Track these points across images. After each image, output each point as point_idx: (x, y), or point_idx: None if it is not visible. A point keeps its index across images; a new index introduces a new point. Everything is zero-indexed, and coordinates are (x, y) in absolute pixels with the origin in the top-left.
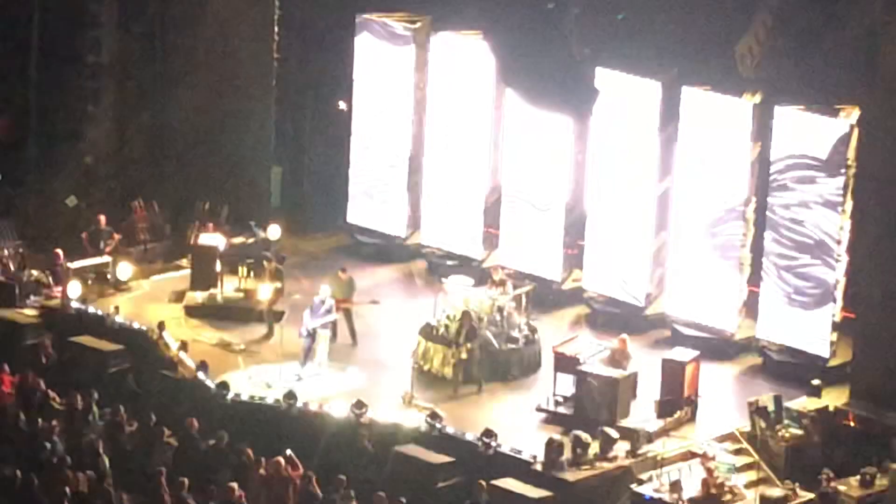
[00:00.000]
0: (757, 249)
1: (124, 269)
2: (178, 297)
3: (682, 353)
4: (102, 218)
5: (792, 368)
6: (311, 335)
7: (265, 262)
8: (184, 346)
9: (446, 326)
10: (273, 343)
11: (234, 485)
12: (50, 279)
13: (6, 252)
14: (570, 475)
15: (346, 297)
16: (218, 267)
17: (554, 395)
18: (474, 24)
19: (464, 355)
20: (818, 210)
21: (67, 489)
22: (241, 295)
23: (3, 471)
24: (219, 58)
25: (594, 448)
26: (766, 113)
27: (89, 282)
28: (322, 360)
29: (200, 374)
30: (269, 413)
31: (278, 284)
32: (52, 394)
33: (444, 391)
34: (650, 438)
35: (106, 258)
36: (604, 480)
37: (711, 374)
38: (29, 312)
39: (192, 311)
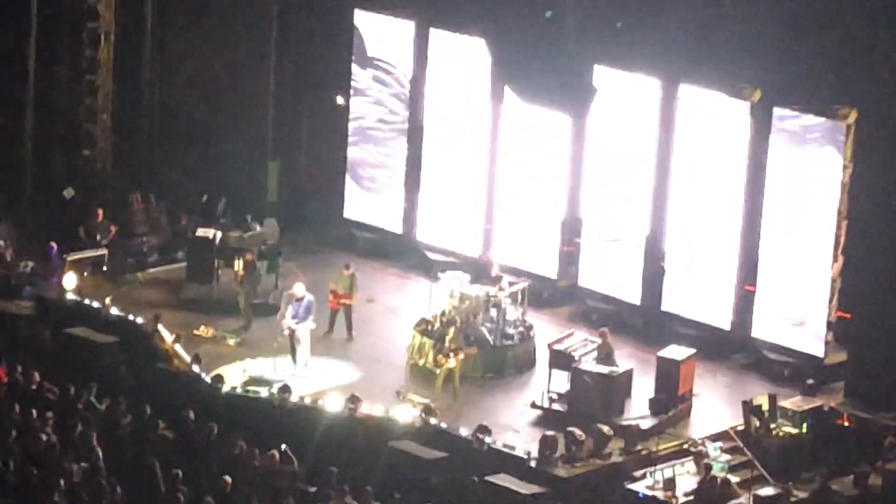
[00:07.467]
0: (753, 248)
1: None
2: (174, 289)
3: (677, 351)
4: (100, 211)
5: (787, 367)
6: (291, 336)
7: (245, 255)
8: (178, 338)
9: (443, 323)
10: (268, 336)
11: (228, 478)
12: (46, 271)
13: (2, 243)
14: (564, 472)
15: (349, 294)
16: (214, 260)
17: (548, 391)
18: (472, 23)
19: (451, 364)
20: (814, 209)
21: (61, 481)
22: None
23: None
24: (217, 53)
25: (588, 445)
26: (763, 113)
27: (85, 274)
28: (306, 361)
29: (195, 367)
30: (263, 407)
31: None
32: (46, 385)
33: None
34: (644, 436)
35: (102, 250)
36: (597, 477)
37: (706, 373)
38: (24, 304)
39: (187, 304)
